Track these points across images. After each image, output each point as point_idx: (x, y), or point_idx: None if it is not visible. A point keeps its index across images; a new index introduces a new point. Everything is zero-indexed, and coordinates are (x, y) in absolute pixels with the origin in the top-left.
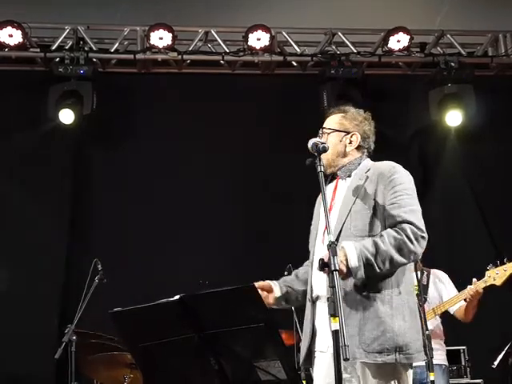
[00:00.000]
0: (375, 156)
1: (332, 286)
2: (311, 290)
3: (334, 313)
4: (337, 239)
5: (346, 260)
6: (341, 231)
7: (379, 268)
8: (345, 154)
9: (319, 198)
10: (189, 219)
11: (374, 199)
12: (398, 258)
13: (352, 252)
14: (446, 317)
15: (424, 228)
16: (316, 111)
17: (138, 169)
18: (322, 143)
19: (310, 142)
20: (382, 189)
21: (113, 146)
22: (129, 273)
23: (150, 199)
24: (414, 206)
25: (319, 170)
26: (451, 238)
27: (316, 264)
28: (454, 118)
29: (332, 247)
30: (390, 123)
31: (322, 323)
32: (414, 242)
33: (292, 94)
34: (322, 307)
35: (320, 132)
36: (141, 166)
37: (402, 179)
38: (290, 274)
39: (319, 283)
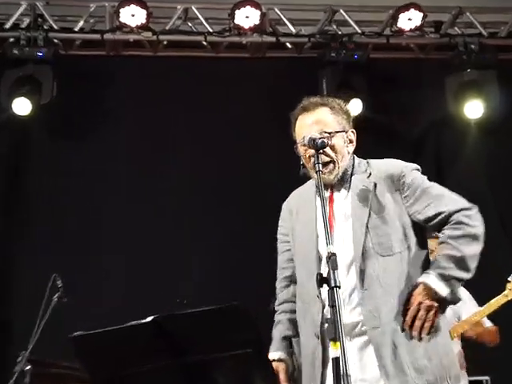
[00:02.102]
0: (383, 154)
1: (332, 305)
2: (320, 323)
3: (334, 337)
4: (361, 264)
5: (434, 294)
6: (363, 253)
7: (468, 273)
8: (345, 156)
9: (297, 203)
10: (166, 220)
11: (393, 209)
12: (475, 250)
13: (436, 282)
14: (467, 341)
15: (467, 203)
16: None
17: (106, 163)
18: (321, 138)
19: (307, 138)
20: (399, 196)
21: (75, 140)
22: (93, 288)
23: (120, 197)
24: (444, 191)
25: (317, 168)
26: None
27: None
28: (474, 108)
29: (332, 260)
30: (399, 115)
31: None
32: (474, 223)
33: (286, 81)
34: (349, 346)
35: (320, 134)
36: (109, 160)
37: (414, 174)
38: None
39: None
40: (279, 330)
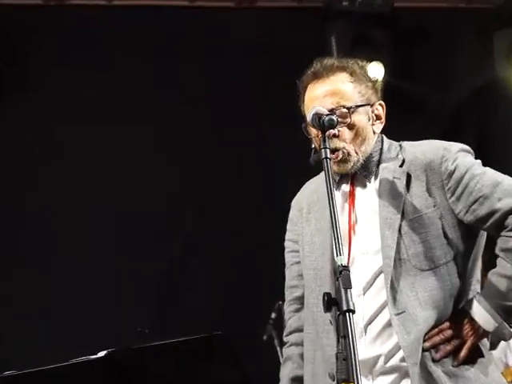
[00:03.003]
0: (410, 133)
1: (344, 335)
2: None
3: (347, 377)
4: (392, 280)
5: (478, 328)
6: (396, 266)
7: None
8: (368, 139)
9: (309, 199)
10: (118, 208)
11: (433, 206)
12: None
13: (481, 314)
14: None
15: None
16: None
17: (40, 133)
18: (328, 114)
19: (311, 113)
20: (441, 189)
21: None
22: (28, 312)
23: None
24: (503, 179)
25: (324, 155)
26: None
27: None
28: None
29: (344, 276)
30: (432, 82)
31: None
32: None
33: (283, 39)
34: None
35: (330, 110)
36: (45, 129)
37: (460, 158)
38: (279, 315)
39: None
40: (288, 369)
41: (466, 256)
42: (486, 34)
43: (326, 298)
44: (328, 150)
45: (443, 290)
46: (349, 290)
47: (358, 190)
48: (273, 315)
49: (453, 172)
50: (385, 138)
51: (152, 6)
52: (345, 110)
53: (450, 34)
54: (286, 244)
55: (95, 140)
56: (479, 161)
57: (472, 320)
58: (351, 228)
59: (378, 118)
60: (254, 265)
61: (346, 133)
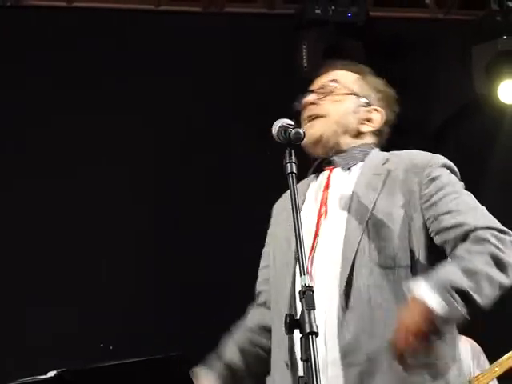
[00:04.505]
0: (385, 149)
1: (306, 358)
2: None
3: None
4: (349, 274)
5: (428, 311)
6: (354, 260)
7: (479, 294)
8: (356, 134)
9: (283, 202)
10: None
11: (405, 206)
12: (499, 277)
13: (426, 289)
14: None
15: (503, 227)
16: (289, 75)
17: None
18: (295, 127)
19: (276, 125)
20: (417, 192)
21: None
22: None
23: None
24: (479, 206)
25: (289, 170)
26: None
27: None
28: (511, 90)
29: (307, 296)
30: (411, 97)
31: None
32: (505, 249)
33: (251, 47)
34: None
35: (319, 86)
36: None
37: (444, 171)
38: None
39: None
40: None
41: (426, 265)
42: (466, 47)
43: (288, 319)
44: (294, 165)
45: (398, 295)
46: (312, 312)
47: (334, 180)
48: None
49: (434, 179)
50: (374, 148)
51: (113, 9)
52: (333, 85)
53: (428, 47)
54: (264, 248)
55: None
56: (462, 183)
57: (419, 300)
58: (320, 215)
59: (368, 120)
60: (224, 282)
61: (328, 104)
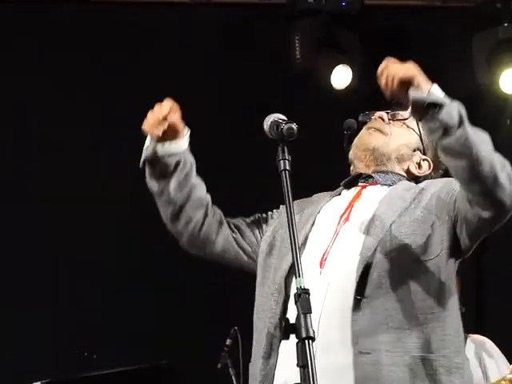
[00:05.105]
0: None
1: (303, 364)
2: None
3: None
4: (367, 265)
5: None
6: (375, 252)
7: (476, 150)
8: (401, 161)
9: (300, 203)
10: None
11: (429, 209)
12: (498, 159)
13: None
14: None
15: None
16: (281, 67)
17: None
18: (287, 122)
19: (268, 121)
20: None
21: None
22: None
23: None
24: None
25: (282, 167)
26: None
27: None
28: None
29: (303, 299)
30: None
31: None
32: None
33: (241, 39)
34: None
35: (393, 111)
36: None
37: None
38: (235, 342)
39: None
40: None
41: (443, 265)
42: (464, 35)
43: (283, 323)
44: (287, 162)
45: (424, 285)
46: (308, 316)
47: (367, 194)
48: (228, 342)
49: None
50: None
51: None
52: (408, 116)
53: (425, 37)
54: (268, 213)
55: None
56: None
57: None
58: (342, 220)
59: (418, 164)
60: (207, 289)
61: (396, 128)
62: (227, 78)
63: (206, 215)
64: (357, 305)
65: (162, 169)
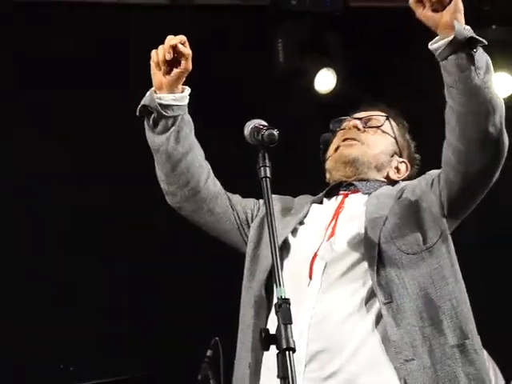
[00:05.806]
0: None
1: (283, 376)
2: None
3: None
4: (371, 262)
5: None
6: (381, 250)
7: (495, 98)
8: (380, 169)
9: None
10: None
11: (416, 195)
12: (496, 93)
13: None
14: None
15: None
16: (263, 72)
17: None
18: (268, 128)
19: (248, 126)
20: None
21: None
22: None
23: None
24: None
25: (263, 174)
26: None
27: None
28: (502, 83)
29: (283, 309)
30: (392, 93)
31: None
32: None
33: (223, 42)
34: None
35: (367, 116)
36: None
37: None
38: (216, 353)
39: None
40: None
41: (447, 245)
42: None
43: (263, 334)
44: (267, 169)
45: (431, 275)
46: (289, 326)
47: (350, 201)
48: (208, 352)
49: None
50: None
51: (75, 2)
52: (382, 119)
53: (412, 39)
54: (254, 200)
55: None
56: None
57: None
58: (332, 227)
59: (396, 169)
60: (188, 300)
61: (371, 136)
62: (208, 81)
63: (208, 172)
64: (385, 311)
65: (163, 122)
